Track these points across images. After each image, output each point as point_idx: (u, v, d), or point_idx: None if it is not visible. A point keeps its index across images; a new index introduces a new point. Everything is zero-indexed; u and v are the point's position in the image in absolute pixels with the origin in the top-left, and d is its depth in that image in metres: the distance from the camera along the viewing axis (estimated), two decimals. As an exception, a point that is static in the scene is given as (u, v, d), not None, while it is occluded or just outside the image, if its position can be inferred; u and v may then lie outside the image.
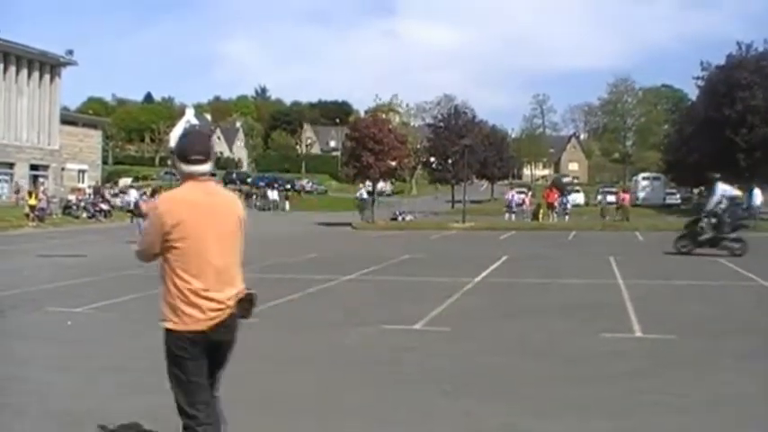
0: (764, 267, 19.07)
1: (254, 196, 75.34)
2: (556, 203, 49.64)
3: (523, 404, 7.56)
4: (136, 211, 33.30)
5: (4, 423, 6.88)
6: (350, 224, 44.35)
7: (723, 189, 24.38)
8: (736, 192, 25.48)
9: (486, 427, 6.82)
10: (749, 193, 41.47)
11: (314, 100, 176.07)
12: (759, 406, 7.40)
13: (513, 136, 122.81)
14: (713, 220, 23.28)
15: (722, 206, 23.33)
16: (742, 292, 15.99)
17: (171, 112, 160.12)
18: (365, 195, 38.17)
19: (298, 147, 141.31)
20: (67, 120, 68.08)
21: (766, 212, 43.86)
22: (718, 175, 24.89)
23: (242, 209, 5.36)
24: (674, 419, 6.96)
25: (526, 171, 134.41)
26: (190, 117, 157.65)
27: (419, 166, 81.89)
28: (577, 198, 62.15)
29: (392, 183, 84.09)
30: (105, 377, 8.80)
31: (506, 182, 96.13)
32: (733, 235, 23.04)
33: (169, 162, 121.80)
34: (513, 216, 50.45)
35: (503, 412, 7.24)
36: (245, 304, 5.08)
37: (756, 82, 48.50)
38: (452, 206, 65.44)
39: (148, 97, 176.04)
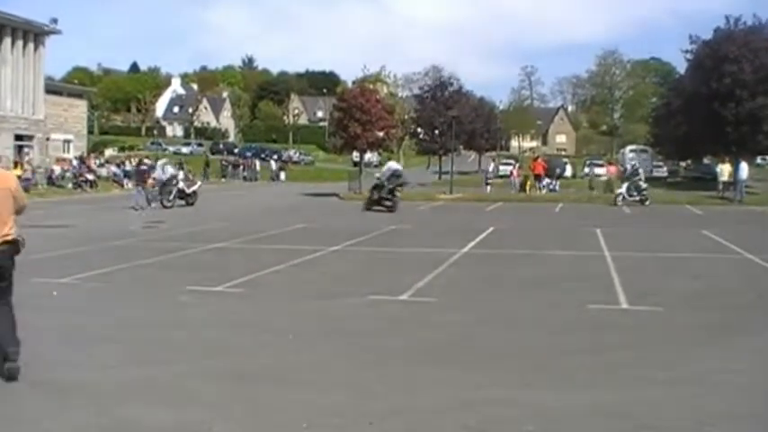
0: (749, 241, 19.18)
1: (242, 167, 75.11)
2: (543, 175, 49.74)
3: (508, 375, 7.60)
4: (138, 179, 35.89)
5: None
6: (337, 195, 44.30)
7: (390, 165, 36.30)
8: (398, 166, 36.07)
9: (471, 398, 6.83)
10: (736, 166, 41.60)
11: (301, 70, 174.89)
12: (743, 379, 7.44)
13: (501, 108, 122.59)
14: (379, 186, 32.95)
15: (385, 177, 33.05)
16: (728, 264, 16.08)
17: (157, 81, 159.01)
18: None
19: (285, 117, 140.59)
20: (52, 89, 67.36)
21: (752, 186, 44.10)
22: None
23: (14, 183, 7.57)
24: (657, 392, 6.99)
25: (514, 143, 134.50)
26: (176, 87, 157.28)
27: (407, 137, 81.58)
28: (565, 170, 62.01)
29: (379, 154, 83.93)
30: (91, 347, 8.79)
31: (494, 153, 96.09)
32: (389, 195, 32.43)
33: (155, 132, 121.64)
34: (489, 188, 50.51)
35: (487, 383, 7.27)
36: (12, 245, 7.23)
37: (744, 56, 48.40)
38: (440, 177, 65.28)
39: (134, 67, 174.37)
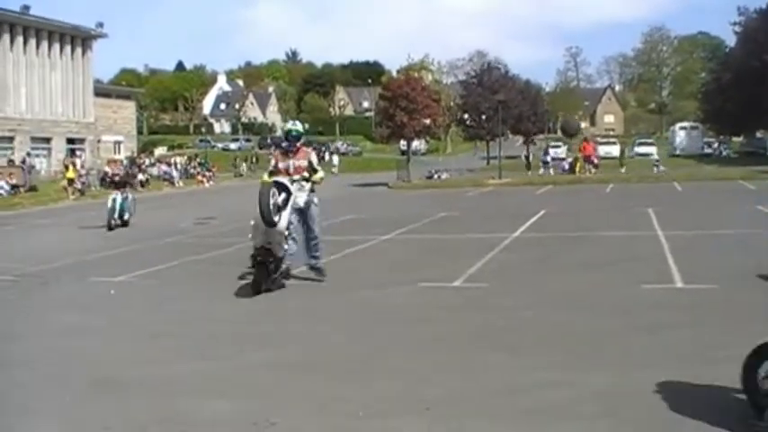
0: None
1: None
2: (593, 157, 49.33)
3: (564, 357, 7.54)
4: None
5: (51, 393, 7.00)
6: (386, 184, 44.35)
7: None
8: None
9: (527, 381, 6.81)
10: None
11: (345, 61, 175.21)
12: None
13: (547, 90, 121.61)
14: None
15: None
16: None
17: (203, 79, 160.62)
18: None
19: (331, 109, 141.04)
20: (101, 92, 68.48)
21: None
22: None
23: None
24: (716, 371, 6.91)
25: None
26: (222, 84, 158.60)
27: (453, 124, 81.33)
28: (613, 150, 61.21)
29: (426, 141, 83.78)
30: (147, 343, 8.92)
31: (542, 137, 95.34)
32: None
33: (203, 130, 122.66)
34: (551, 170, 50.25)
35: (543, 366, 7.24)
36: None
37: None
38: (488, 163, 65.10)
39: (180, 66, 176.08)
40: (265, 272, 11.24)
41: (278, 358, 8.00)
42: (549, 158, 54.42)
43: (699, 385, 6.44)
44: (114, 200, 23.99)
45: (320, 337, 8.84)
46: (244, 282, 12.37)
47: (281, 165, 11.93)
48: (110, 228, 23.40)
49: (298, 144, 12.29)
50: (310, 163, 12.05)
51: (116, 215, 23.83)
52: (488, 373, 7.10)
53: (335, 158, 77.27)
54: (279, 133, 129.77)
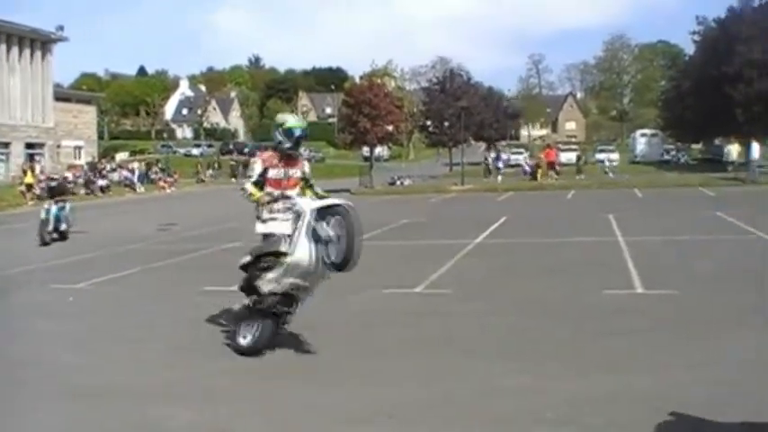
0: (763, 220, 19.09)
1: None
2: (556, 163, 49.71)
3: (530, 363, 7.58)
4: None
5: (24, 403, 6.91)
6: (348, 190, 44.31)
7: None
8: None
9: (496, 387, 6.85)
10: (747, 147, 41.43)
11: (308, 67, 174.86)
12: (760, 363, 7.42)
13: (509, 97, 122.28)
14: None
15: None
16: (742, 245, 15.99)
17: (165, 84, 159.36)
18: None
19: (294, 114, 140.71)
20: (61, 96, 67.71)
21: (764, 166, 43.89)
22: None
23: None
24: (678, 375, 6.99)
25: (524, 132, 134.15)
26: (184, 89, 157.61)
27: (416, 130, 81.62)
28: (572, 157, 61.60)
29: (389, 147, 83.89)
30: (112, 349, 8.85)
31: (504, 143, 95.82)
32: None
33: (165, 135, 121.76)
34: (500, 177, 50.68)
35: (512, 371, 7.27)
36: None
37: (755, 36, 48.16)
38: (450, 169, 65.27)
39: (141, 71, 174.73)
40: (276, 327, 8.48)
41: (241, 365, 7.96)
42: (500, 164, 54.96)
43: (660, 390, 6.51)
44: (48, 211, 21.79)
45: (283, 343, 8.79)
46: (206, 288, 12.28)
47: (272, 173, 8.69)
48: (43, 242, 21.01)
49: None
50: (303, 174, 9.00)
51: (50, 227, 21.55)
52: (453, 380, 7.12)
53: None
54: (241, 138, 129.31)
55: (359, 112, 45.98)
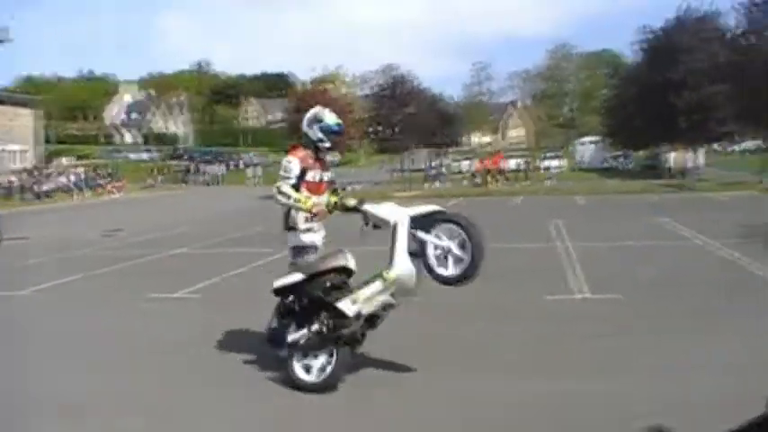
0: (703, 226, 19.46)
1: (199, 171, 74.73)
2: (502, 169, 50.27)
3: (481, 369, 7.65)
4: None
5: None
6: (296, 197, 44.17)
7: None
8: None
9: (438, 392, 6.89)
10: (688, 154, 42.26)
11: (256, 72, 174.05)
12: (701, 367, 7.57)
13: (455, 104, 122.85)
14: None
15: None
16: (684, 251, 16.27)
17: (110, 88, 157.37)
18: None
19: (241, 120, 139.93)
20: (-5, 99, 66.35)
21: (704, 173, 44.79)
22: None
23: None
24: (617, 380, 7.11)
25: (471, 138, 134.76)
26: (131, 93, 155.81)
27: (365, 136, 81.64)
28: (520, 163, 62.24)
29: (339, 153, 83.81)
30: (48, 359, 8.73)
31: (451, 149, 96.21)
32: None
33: (111, 139, 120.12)
34: (437, 183, 51.12)
35: (455, 376, 7.32)
36: None
37: (697, 45, 49.16)
38: (398, 175, 65.42)
39: (87, 74, 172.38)
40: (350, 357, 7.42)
41: (176, 373, 7.92)
42: (433, 172, 55.49)
43: (602, 394, 6.61)
44: None
45: (227, 351, 8.75)
46: (150, 294, 12.19)
47: (309, 175, 7.78)
48: None
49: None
50: (331, 178, 8.26)
51: None
52: (410, 387, 7.15)
53: (259, 170, 76.31)
54: (190, 143, 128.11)
55: (307, 118, 45.93)
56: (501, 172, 49.83)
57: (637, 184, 42.43)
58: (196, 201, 46.57)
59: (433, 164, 57.85)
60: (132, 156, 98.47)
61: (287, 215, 7.77)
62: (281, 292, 7.36)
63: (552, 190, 42.03)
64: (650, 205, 29.79)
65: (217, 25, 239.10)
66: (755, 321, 9.16)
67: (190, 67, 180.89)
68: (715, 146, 65.43)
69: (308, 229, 7.73)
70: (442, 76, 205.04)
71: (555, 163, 65.56)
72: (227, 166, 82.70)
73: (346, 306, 7.04)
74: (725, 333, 8.73)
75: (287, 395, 7.00)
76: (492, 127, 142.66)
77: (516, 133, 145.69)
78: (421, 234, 7.16)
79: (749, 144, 76.44)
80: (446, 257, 7.14)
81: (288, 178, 7.55)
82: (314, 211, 7.44)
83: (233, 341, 9.09)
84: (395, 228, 7.17)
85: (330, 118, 8.04)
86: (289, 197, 7.44)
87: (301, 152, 7.75)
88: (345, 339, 7.14)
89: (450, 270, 7.14)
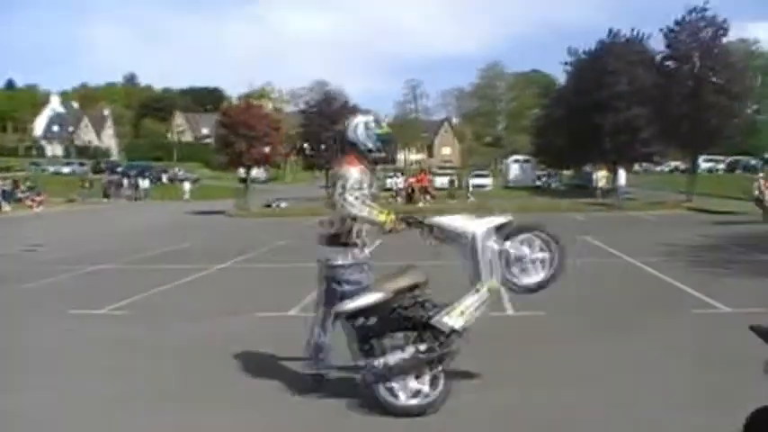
0: (628, 244, 19.80)
1: (126, 185, 73.68)
2: (429, 187, 50.59)
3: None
4: None
5: None
6: (223, 212, 43.76)
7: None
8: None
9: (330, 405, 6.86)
10: (615, 174, 43.16)
11: (185, 86, 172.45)
12: (621, 380, 7.67)
13: (387, 121, 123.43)
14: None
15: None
16: (608, 268, 16.52)
17: (35, 99, 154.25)
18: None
19: (169, 134, 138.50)
20: None
21: (630, 192, 45.69)
22: None
23: None
24: (540, 393, 7.15)
25: (400, 156, 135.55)
26: (55, 105, 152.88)
27: (293, 153, 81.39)
28: (445, 181, 62.80)
29: (266, 170, 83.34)
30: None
31: (379, 166, 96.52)
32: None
33: (34, 152, 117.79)
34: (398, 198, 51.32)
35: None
36: None
37: (622, 68, 50.41)
38: (327, 192, 65.51)
39: (10, 84, 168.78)
40: None
41: (105, 390, 7.73)
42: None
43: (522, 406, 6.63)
44: None
45: (150, 367, 8.58)
46: (71, 311, 11.92)
47: (367, 186, 7.38)
48: None
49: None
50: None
51: None
52: (334, 402, 7.08)
53: (187, 185, 75.46)
54: (114, 157, 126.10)
55: (235, 134, 45.55)
56: (426, 190, 50.20)
57: (565, 203, 43.03)
58: (120, 216, 45.82)
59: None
60: (52, 168, 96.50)
61: (343, 231, 7.44)
62: (355, 314, 6.89)
63: (479, 207, 42.36)
64: (577, 223, 30.21)
65: (147, 38, 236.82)
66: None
67: (118, 80, 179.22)
68: (638, 166, 66.86)
69: (364, 245, 7.57)
70: (374, 94, 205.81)
71: (482, 181, 66.27)
72: (152, 180, 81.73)
73: (454, 320, 6.98)
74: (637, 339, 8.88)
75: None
76: (424, 144, 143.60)
77: (446, 151, 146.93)
78: (506, 244, 7.22)
79: (674, 164, 78.47)
80: (530, 265, 7.27)
81: (360, 189, 7.13)
82: (391, 225, 7.31)
83: (159, 356, 8.90)
84: (474, 239, 7.18)
85: (383, 127, 7.77)
86: (370, 209, 7.14)
87: (360, 163, 7.35)
88: (451, 356, 6.97)
89: (534, 277, 7.34)
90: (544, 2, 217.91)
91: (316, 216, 35.91)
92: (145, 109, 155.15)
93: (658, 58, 45.21)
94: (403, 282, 7.10)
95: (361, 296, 6.95)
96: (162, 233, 30.47)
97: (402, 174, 70.40)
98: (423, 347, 6.82)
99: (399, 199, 51.77)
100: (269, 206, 48.94)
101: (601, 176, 49.69)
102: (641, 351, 8.87)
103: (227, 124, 47.15)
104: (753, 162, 73.40)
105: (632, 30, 55.28)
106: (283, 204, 50.03)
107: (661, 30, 43.56)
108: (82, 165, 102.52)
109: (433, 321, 6.90)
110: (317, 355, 7.45)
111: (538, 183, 73.85)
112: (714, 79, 41.67)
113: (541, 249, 7.25)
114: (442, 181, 61.35)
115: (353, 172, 7.20)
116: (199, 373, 8.37)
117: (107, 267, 18.78)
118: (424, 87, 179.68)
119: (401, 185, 56.16)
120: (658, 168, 78.13)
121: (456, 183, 59.54)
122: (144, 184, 75.02)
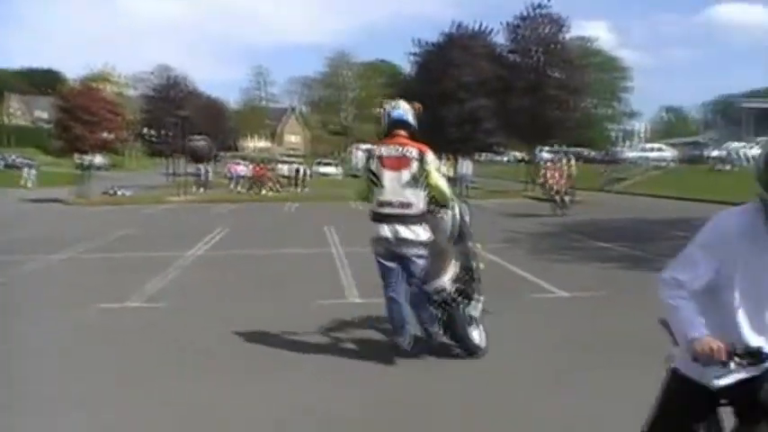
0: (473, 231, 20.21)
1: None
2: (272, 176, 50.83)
3: (233, 376, 7.52)
4: None
5: None
6: (61, 200, 42.12)
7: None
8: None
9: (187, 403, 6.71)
10: (459, 164, 44.13)
11: (19, 67, 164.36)
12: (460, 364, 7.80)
13: (233, 107, 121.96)
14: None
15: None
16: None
17: None
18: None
19: (4, 117, 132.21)
20: None
21: (475, 182, 46.89)
22: None
23: None
24: (387, 381, 7.20)
25: (247, 143, 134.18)
26: None
27: (136, 139, 79.29)
28: (292, 169, 62.71)
29: (108, 156, 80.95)
30: None
31: (228, 154, 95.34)
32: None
33: None
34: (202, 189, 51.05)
35: (207, 387, 7.15)
36: None
37: (466, 60, 51.45)
38: (171, 179, 64.05)
39: None
40: None
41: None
42: (210, 177, 55.76)
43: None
44: None
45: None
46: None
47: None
48: None
49: None
50: None
51: None
52: (162, 397, 6.90)
53: (27, 171, 71.40)
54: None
55: (74, 118, 43.95)
56: (270, 179, 50.28)
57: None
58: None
59: (203, 168, 56.89)
60: None
61: (422, 210, 8.07)
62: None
63: (327, 197, 42.42)
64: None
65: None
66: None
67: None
68: (482, 156, 68.48)
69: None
70: (220, 80, 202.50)
71: (328, 170, 66.50)
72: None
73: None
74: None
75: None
76: (269, 132, 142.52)
77: (294, 139, 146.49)
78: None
79: (519, 155, 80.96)
80: None
81: (370, 169, 8.38)
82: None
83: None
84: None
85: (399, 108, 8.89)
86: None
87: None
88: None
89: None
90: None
91: (158, 204, 35.20)
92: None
93: (502, 50, 46.46)
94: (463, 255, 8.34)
95: (440, 272, 7.84)
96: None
97: (248, 162, 69.81)
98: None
99: (240, 188, 51.59)
100: (109, 193, 47.46)
101: (445, 166, 50.82)
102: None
103: (64, 108, 45.51)
104: (586, 153, 76.42)
105: (478, 23, 56.53)
106: (126, 192, 48.61)
107: (504, 24, 44.85)
108: None
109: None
110: (402, 326, 7.89)
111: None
112: (555, 74, 43.26)
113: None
114: (288, 168, 61.11)
115: (437, 158, 8.27)
116: (26, 373, 8.00)
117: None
118: (274, 75, 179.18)
119: (242, 173, 55.69)
120: (504, 159, 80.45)
121: (303, 171, 59.44)
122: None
